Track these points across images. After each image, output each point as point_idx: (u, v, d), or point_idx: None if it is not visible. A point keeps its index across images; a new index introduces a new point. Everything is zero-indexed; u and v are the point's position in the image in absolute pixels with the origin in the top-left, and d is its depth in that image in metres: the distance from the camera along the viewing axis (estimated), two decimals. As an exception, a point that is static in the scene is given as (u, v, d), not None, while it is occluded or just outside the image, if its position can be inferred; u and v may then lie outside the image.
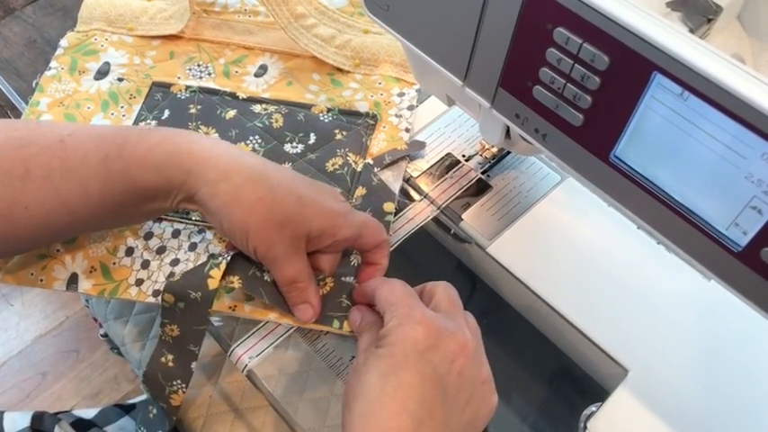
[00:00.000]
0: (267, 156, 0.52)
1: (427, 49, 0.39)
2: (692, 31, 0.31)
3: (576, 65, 0.31)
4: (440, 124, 0.56)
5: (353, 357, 0.45)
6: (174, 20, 0.60)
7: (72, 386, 1.42)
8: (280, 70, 0.59)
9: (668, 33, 0.28)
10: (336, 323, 0.44)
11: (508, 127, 0.42)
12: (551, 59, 0.32)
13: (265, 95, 0.57)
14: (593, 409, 0.43)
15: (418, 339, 0.35)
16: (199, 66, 0.59)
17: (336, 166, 0.52)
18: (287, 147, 0.53)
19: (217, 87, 0.57)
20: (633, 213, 0.33)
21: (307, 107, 0.56)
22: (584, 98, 0.32)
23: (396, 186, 0.52)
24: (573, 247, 0.49)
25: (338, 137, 0.54)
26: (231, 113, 0.55)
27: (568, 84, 0.32)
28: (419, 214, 0.52)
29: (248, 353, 0.46)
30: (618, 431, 0.42)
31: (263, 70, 0.59)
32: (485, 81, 0.37)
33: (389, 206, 0.50)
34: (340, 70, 0.59)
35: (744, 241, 0.30)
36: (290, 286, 0.42)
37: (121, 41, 0.60)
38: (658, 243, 0.48)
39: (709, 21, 0.31)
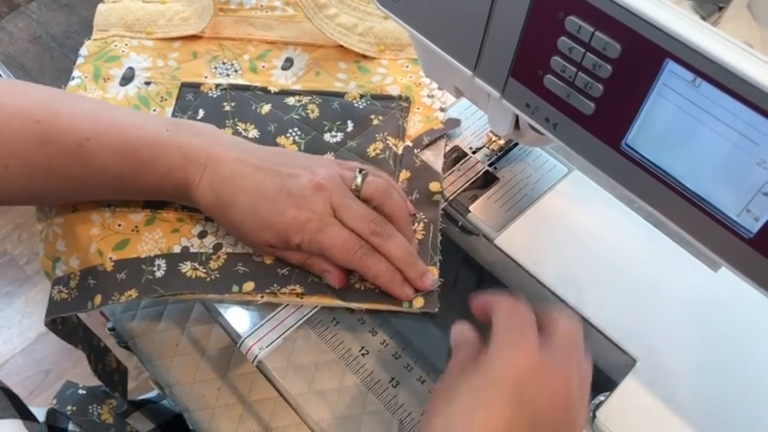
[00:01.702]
0: (309, 146, 0.53)
1: (437, 39, 0.39)
2: (703, 18, 0.31)
3: (587, 53, 0.31)
4: (446, 117, 0.56)
5: (362, 348, 0.45)
6: (193, 20, 0.60)
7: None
8: (306, 62, 0.59)
9: (680, 20, 0.28)
10: (406, 303, 0.45)
11: (517, 117, 0.42)
12: (563, 48, 0.32)
13: (296, 87, 0.57)
14: (602, 398, 0.43)
15: (520, 366, 0.33)
16: (224, 63, 0.59)
17: (378, 151, 0.53)
18: (326, 136, 0.54)
19: (247, 83, 0.57)
20: (644, 201, 0.34)
21: (340, 95, 0.57)
22: (595, 86, 0.32)
23: (438, 165, 0.53)
24: (580, 238, 0.49)
25: (375, 122, 0.55)
26: (266, 108, 0.55)
27: (580, 72, 0.32)
28: (426, 207, 0.52)
29: (258, 344, 0.46)
30: (626, 420, 0.42)
31: (289, 63, 0.59)
32: (495, 71, 0.37)
33: (436, 186, 0.51)
34: (365, 57, 0.59)
35: (756, 227, 0.30)
36: (301, 264, 0.46)
37: (142, 45, 0.60)
38: (665, 233, 0.49)
39: (720, 8, 0.31)
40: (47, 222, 0.51)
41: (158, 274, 0.47)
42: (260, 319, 0.47)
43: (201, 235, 0.49)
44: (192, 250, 0.49)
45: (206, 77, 0.58)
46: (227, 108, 0.55)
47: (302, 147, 0.53)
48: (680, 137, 0.31)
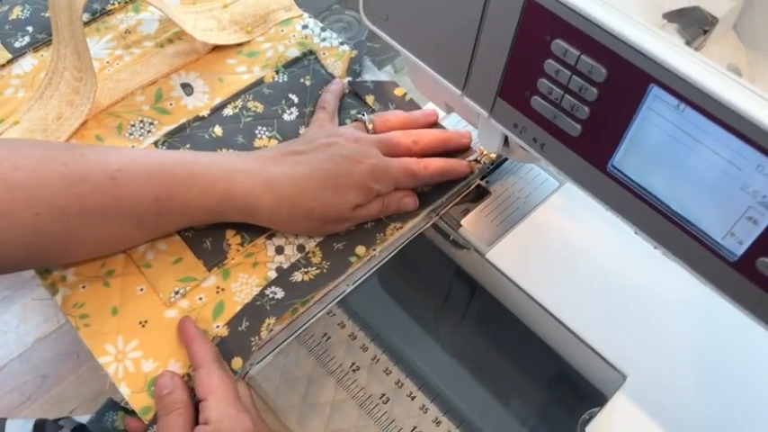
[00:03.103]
0: (284, 132, 0.54)
1: (426, 58, 0.40)
2: (688, 42, 0.31)
3: (573, 76, 0.31)
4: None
5: (353, 363, 0.46)
6: (68, 111, 0.54)
7: (72, 389, 1.42)
8: (200, 78, 0.58)
9: (665, 46, 0.28)
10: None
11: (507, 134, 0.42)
12: (549, 71, 0.32)
13: (218, 100, 0.56)
14: (592, 414, 0.43)
15: None
16: (134, 126, 0.55)
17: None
18: (286, 117, 0.55)
19: (176, 124, 0.54)
20: (631, 223, 0.34)
21: (259, 82, 0.57)
22: (581, 109, 0.32)
23: (383, 77, 0.57)
24: (571, 252, 0.49)
25: (308, 84, 0.57)
26: (218, 130, 0.54)
27: (566, 95, 0.32)
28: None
29: (249, 359, 0.46)
30: (616, 436, 0.42)
31: (189, 88, 0.57)
32: (483, 91, 0.37)
33: (400, 90, 0.56)
34: (241, 45, 0.60)
35: (740, 251, 0.30)
36: (379, 212, 0.48)
37: None
38: (655, 248, 0.49)
39: (705, 32, 0.31)
40: (116, 357, 0.44)
41: (279, 296, 0.45)
42: (251, 333, 0.47)
43: (279, 251, 0.48)
44: (285, 266, 0.47)
45: (133, 147, 0.53)
46: (187, 148, 0.53)
47: (279, 137, 0.54)
48: (666, 160, 0.31)
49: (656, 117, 0.30)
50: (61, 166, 0.41)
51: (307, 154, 0.46)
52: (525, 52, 0.33)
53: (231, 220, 0.46)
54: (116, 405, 0.54)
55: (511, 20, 0.32)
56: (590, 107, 0.32)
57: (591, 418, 0.43)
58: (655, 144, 0.31)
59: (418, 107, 0.56)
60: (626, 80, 0.30)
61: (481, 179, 0.53)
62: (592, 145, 0.33)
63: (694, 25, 0.31)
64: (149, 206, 0.43)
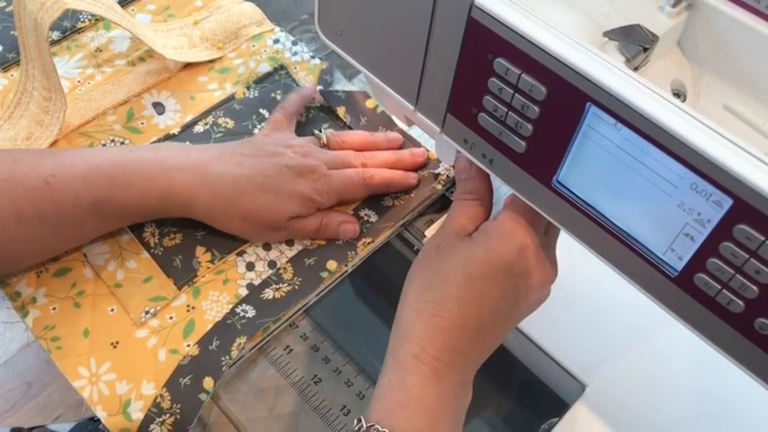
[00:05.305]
0: None
1: (380, 74, 0.40)
2: (628, 60, 0.32)
3: (516, 94, 0.32)
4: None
5: (315, 376, 0.46)
6: (38, 131, 0.54)
7: (57, 396, 1.40)
8: (171, 96, 0.58)
9: (600, 66, 0.28)
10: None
11: (462, 148, 0.42)
12: (493, 88, 0.32)
13: (189, 117, 0.56)
14: (551, 424, 0.44)
15: (516, 263, 0.37)
16: (104, 145, 0.54)
17: (310, 114, 0.57)
18: (256, 132, 0.55)
19: (147, 144, 0.54)
20: (576, 238, 0.34)
21: (230, 98, 0.57)
22: (525, 126, 0.32)
23: (353, 87, 0.58)
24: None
25: (279, 98, 0.57)
26: None
27: (510, 112, 0.33)
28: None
29: (220, 379, 0.46)
30: (576, 445, 0.43)
31: (161, 107, 0.57)
32: (434, 107, 0.37)
33: (371, 102, 0.57)
34: (213, 61, 0.60)
35: (679, 266, 0.30)
36: (317, 231, 0.48)
37: None
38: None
39: (645, 50, 0.32)
40: (90, 380, 0.45)
41: (250, 314, 0.46)
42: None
43: (250, 267, 0.48)
44: (256, 283, 0.47)
45: None
46: None
47: None
48: (607, 177, 0.31)
49: (596, 135, 0.30)
50: None
51: (253, 158, 0.47)
52: (470, 70, 0.33)
53: (172, 215, 0.47)
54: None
55: (455, 38, 0.33)
56: (533, 124, 0.32)
57: (550, 429, 0.43)
58: (596, 161, 0.31)
59: (390, 120, 0.56)
60: (565, 99, 0.30)
61: (446, 190, 0.53)
62: (537, 161, 0.33)
63: (634, 43, 0.31)
64: (88, 209, 0.43)
